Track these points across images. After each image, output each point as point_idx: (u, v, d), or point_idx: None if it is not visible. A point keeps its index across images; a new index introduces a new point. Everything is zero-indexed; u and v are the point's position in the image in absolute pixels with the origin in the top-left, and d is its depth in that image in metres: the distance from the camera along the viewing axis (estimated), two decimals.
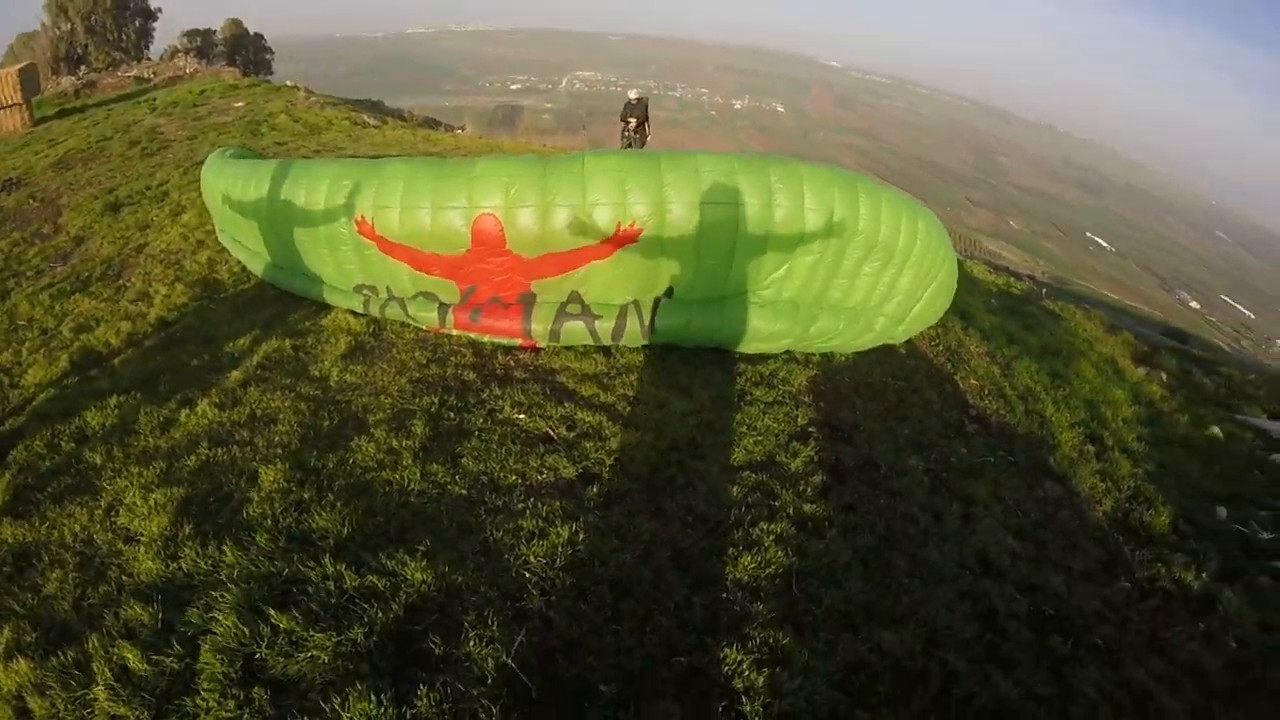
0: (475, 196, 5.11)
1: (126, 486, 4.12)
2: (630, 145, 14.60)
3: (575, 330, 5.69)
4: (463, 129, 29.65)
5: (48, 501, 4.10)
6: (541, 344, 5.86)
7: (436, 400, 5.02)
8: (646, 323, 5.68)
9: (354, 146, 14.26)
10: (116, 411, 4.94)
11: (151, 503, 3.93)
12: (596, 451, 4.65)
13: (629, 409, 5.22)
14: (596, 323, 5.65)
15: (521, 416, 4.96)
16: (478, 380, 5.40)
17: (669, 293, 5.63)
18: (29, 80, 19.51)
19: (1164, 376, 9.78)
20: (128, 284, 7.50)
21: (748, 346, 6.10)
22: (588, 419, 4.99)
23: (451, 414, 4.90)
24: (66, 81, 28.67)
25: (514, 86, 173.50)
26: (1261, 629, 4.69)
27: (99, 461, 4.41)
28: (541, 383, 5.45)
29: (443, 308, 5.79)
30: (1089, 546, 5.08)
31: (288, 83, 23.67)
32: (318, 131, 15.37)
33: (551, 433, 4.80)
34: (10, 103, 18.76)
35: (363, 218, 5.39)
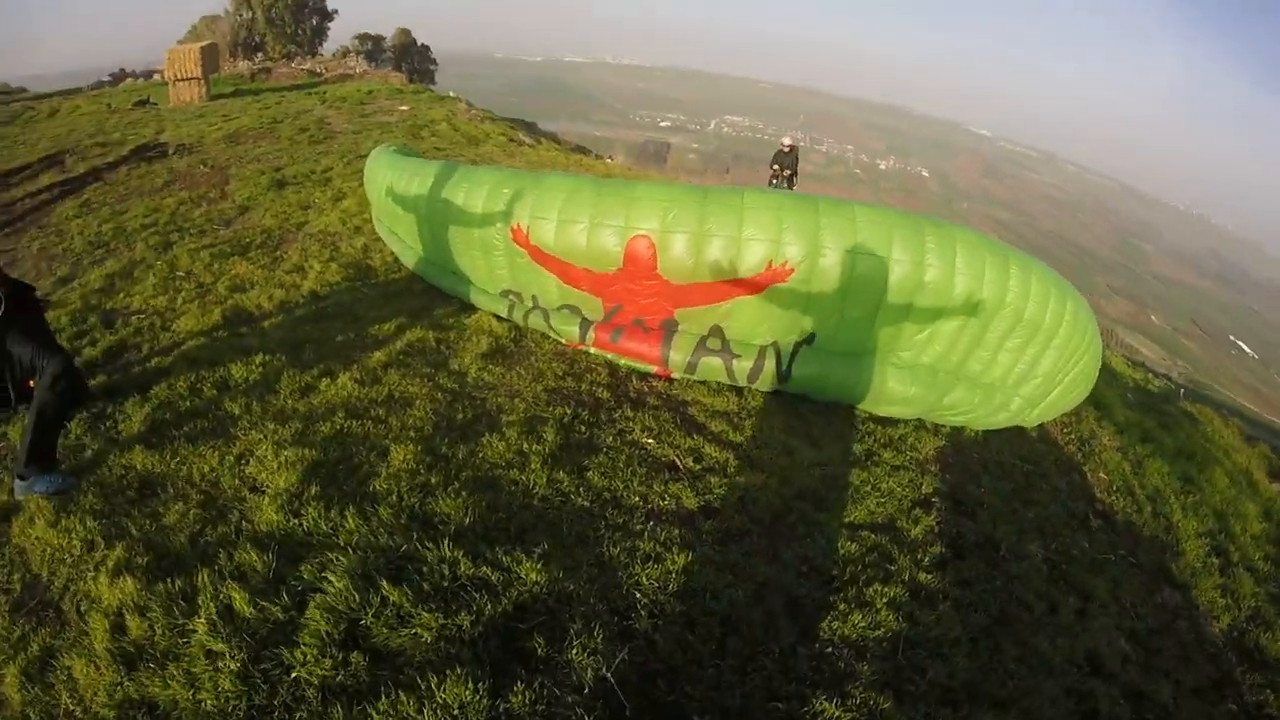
0: (633, 218, 5.18)
1: (260, 440, 4.33)
2: None
3: (712, 366, 5.69)
4: (612, 159, 30.37)
5: (181, 439, 4.33)
6: (676, 374, 5.89)
7: (569, 412, 5.11)
8: (785, 368, 5.64)
9: (509, 161, 14.78)
10: (260, 369, 5.21)
11: (282, 459, 4.11)
12: (720, 487, 4.64)
13: (756, 451, 5.19)
14: (735, 362, 5.64)
15: (650, 441, 5.00)
16: (611, 399, 5.49)
17: (810, 339, 5.58)
18: (210, 58, 21.13)
19: None
20: (284, 256, 7.92)
21: (879, 408, 6.00)
22: (715, 454, 4.99)
23: (583, 427, 4.98)
24: (243, 65, 30.98)
25: (663, 123, 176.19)
26: None
27: (237, 412, 4.65)
28: (673, 412, 5.50)
29: (585, 323, 5.88)
30: (1201, 662, 4.81)
31: (450, 93, 24.82)
32: (476, 143, 15.99)
33: (678, 462, 4.82)
34: (190, 75, 20.27)
35: (518, 226, 5.53)
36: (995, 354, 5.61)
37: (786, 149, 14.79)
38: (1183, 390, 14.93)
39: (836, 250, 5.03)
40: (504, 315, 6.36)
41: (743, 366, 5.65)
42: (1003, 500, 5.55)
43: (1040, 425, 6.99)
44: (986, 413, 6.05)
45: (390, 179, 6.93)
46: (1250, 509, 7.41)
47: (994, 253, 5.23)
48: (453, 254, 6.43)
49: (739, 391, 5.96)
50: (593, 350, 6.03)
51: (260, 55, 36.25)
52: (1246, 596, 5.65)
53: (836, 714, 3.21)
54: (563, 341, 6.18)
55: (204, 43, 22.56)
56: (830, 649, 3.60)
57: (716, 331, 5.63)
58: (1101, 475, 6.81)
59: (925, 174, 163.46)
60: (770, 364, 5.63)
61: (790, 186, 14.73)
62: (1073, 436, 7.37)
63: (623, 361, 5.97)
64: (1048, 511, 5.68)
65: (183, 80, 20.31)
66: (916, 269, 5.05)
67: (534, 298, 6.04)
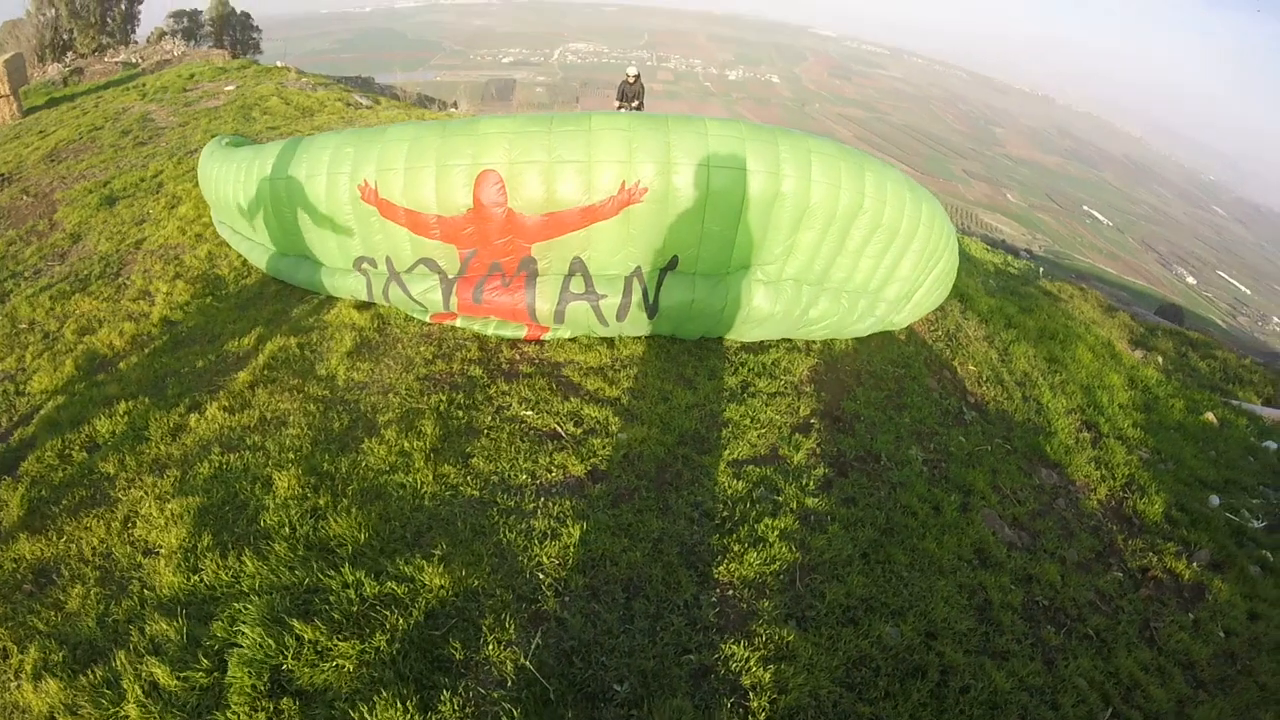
0: (479, 153, 5.13)
1: (141, 497, 4.15)
2: None
3: (579, 311, 5.64)
4: (455, 106, 29.35)
5: (64, 515, 4.11)
6: (548, 329, 5.85)
7: (445, 398, 5.07)
8: (651, 299, 5.64)
9: (348, 128, 14.12)
10: (126, 418, 4.94)
11: (168, 514, 3.97)
12: (604, 448, 4.71)
13: (634, 403, 5.27)
14: (601, 302, 5.60)
15: (529, 413, 5.01)
16: (484, 376, 5.45)
17: (673, 263, 5.57)
18: (16, 70, 19.26)
19: (1160, 360, 9.83)
20: (128, 282, 7.46)
21: (749, 331, 6.11)
22: (594, 414, 5.05)
23: (460, 412, 4.95)
24: (54, 69, 28.28)
25: (506, 60, 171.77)
26: (1250, 618, 4.77)
27: (112, 471, 4.43)
28: (547, 377, 5.50)
29: (445, 284, 5.73)
30: (1084, 536, 5.14)
31: (278, 64, 23.39)
32: (310, 114, 15.23)
33: (559, 429, 4.86)
34: None
35: (366, 183, 5.41)
36: (856, 260, 5.82)
37: (631, 79, 14.68)
38: (1042, 268, 15.79)
39: (690, 166, 5.09)
40: (363, 296, 6.17)
41: (610, 304, 5.62)
42: (878, 410, 5.81)
43: (908, 326, 7.31)
44: (854, 319, 6.28)
45: (227, 174, 6.62)
46: (1115, 379, 7.95)
47: (849, 161, 5.39)
48: (302, 234, 6.16)
49: (610, 343, 5.97)
50: (459, 323, 5.94)
51: (70, 55, 33.30)
52: (1120, 466, 6.09)
53: (745, 655, 3.39)
54: (428, 319, 6.05)
55: (7, 55, 20.56)
56: (731, 591, 3.77)
57: (579, 267, 5.57)
58: (970, 367, 7.17)
59: (775, 80, 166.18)
60: (637, 296, 5.62)
61: None
62: (940, 333, 7.72)
63: (491, 330, 5.90)
64: (922, 413, 5.98)
65: None
66: (773, 180, 5.15)
67: (388, 259, 5.84)
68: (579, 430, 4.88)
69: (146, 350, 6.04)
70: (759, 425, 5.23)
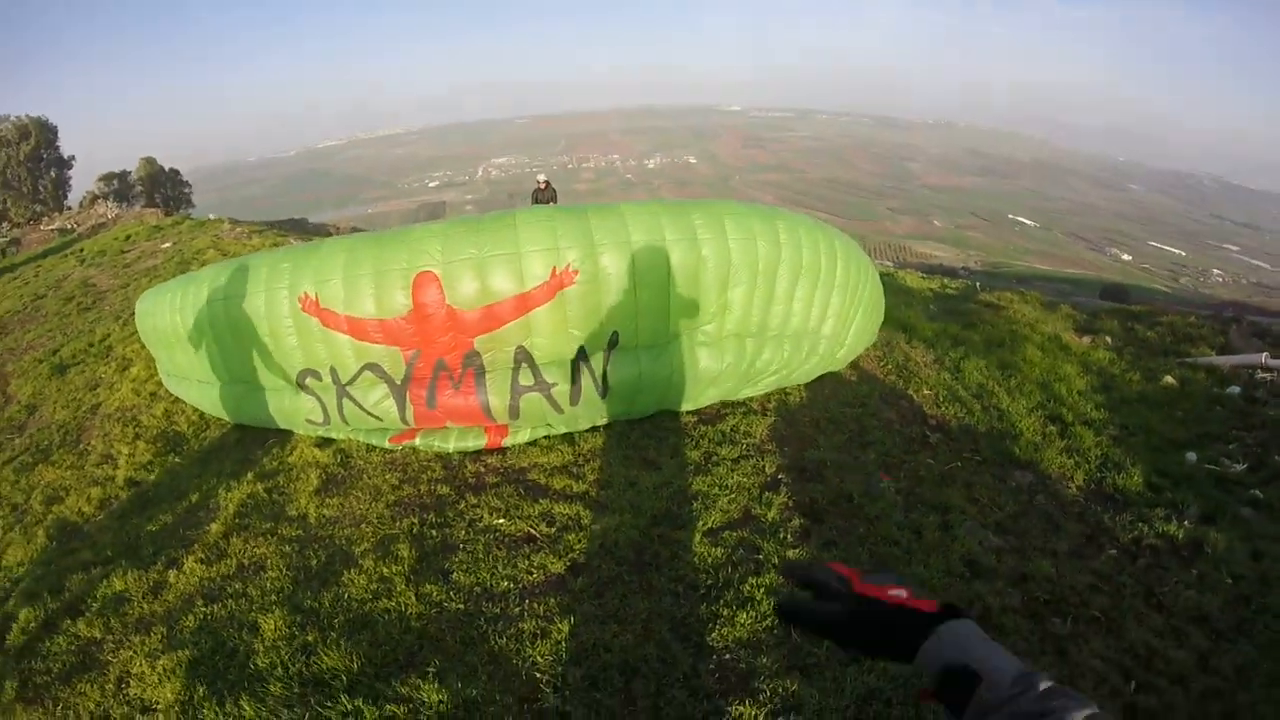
0: (413, 257, 5.34)
1: (131, 657, 4.12)
2: None
3: (533, 402, 5.74)
4: None
5: (57, 683, 4.07)
6: (506, 429, 5.97)
7: (416, 520, 5.09)
8: (600, 379, 5.77)
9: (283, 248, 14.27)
10: (105, 582, 4.92)
11: (160, 670, 3.93)
12: (580, 542, 4.74)
13: (603, 493, 5.32)
14: (553, 390, 5.71)
15: (501, 521, 5.05)
16: (452, 493, 5.49)
17: (614, 340, 5.71)
18: None
19: (1109, 340, 10.11)
20: (89, 448, 7.48)
21: (703, 394, 6.26)
22: (565, 511, 5.09)
23: (434, 531, 4.97)
24: None
25: (432, 184, 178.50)
26: (1253, 558, 4.85)
27: (99, 635, 4.40)
28: (514, 484, 5.55)
29: (397, 392, 5.79)
30: (1070, 524, 5.20)
31: (210, 216, 23.70)
32: None
33: (533, 532, 4.89)
34: None
35: (306, 294, 5.54)
36: (789, 304, 6.11)
37: (543, 186, 15.29)
38: (979, 282, 16.27)
39: (613, 247, 5.36)
40: (319, 420, 6.20)
41: (561, 391, 5.75)
42: (843, 452, 5.91)
43: (858, 366, 7.51)
44: (798, 362, 6.50)
45: (162, 305, 6.73)
46: (1069, 369, 8.21)
47: (761, 216, 5.76)
48: (244, 356, 6.17)
49: (570, 440, 6.07)
50: (419, 442, 6.02)
51: (5, 225, 33.36)
52: (1091, 449, 6.24)
53: (753, 713, 3.39)
54: (386, 442, 6.11)
55: None
56: (728, 655, 3.78)
57: (523, 356, 5.68)
58: (926, 392, 7.35)
59: (693, 160, 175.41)
60: (586, 379, 5.76)
61: None
62: (890, 366, 7.92)
63: (451, 444, 5.97)
64: (887, 446, 6.09)
65: None
66: (692, 246, 5.46)
67: (332, 371, 5.86)
68: (553, 529, 4.92)
69: (116, 513, 6.05)
70: (728, 491, 5.29)
